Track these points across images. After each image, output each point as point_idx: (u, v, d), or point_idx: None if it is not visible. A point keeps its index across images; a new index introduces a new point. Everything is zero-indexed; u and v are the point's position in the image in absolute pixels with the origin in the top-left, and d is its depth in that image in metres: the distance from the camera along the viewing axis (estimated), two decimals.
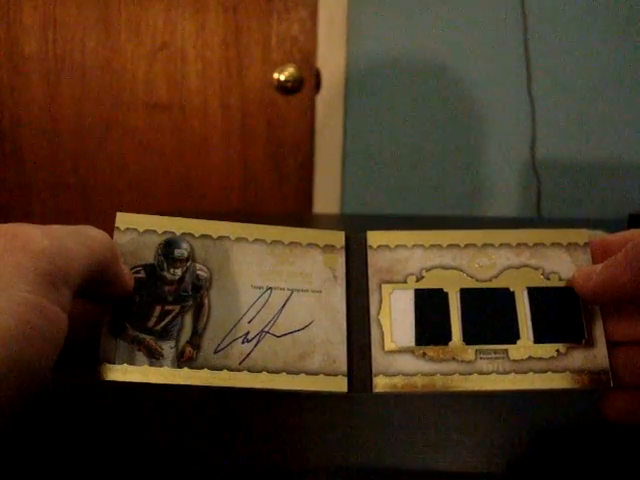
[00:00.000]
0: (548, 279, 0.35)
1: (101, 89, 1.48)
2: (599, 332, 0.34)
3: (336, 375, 0.33)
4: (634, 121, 1.56)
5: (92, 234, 0.28)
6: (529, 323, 0.34)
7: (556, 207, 1.59)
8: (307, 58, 1.51)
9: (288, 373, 0.32)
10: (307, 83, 1.51)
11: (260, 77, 1.51)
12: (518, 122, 1.55)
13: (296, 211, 1.57)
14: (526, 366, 0.33)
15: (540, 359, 0.33)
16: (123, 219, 0.33)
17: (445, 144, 1.57)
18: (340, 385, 0.32)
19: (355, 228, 0.37)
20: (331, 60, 1.51)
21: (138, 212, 0.34)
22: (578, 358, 0.33)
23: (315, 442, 0.36)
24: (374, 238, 0.36)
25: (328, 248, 0.35)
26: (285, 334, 0.33)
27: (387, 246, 0.35)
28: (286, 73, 1.48)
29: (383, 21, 1.50)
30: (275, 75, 1.49)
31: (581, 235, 0.36)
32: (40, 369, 0.24)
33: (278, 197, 1.57)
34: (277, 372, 0.32)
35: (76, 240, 0.27)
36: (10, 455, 0.33)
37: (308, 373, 0.32)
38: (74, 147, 1.50)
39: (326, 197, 1.57)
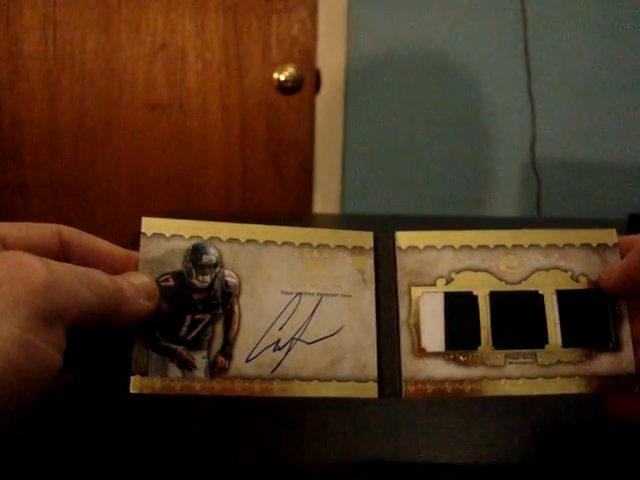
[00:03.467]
0: (577, 281, 0.35)
1: (101, 89, 1.47)
2: (626, 336, 0.34)
3: (367, 381, 0.32)
4: (634, 121, 1.57)
5: (100, 279, 0.27)
6: (558, 327, 0.34)
7: (556, 207, 1.59)
8: (307, 58, 1.50)
9: (320, 381, 0.31)
10: (307, 83, 1.50)
11: (260, 77, 1.50)
12: (518, 122, 1.56)
13: (296, 211, 1.57)
14: (554, 371, 0.33)
15: (568, 363, 0.33)
16: (149, 224, 0.32)
17: (445, 144, 1.57)
18: (371, 391, 0.32)
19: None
20: (331, 60, 1.50)
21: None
22: (605, 362, 0.33)
23: (316, 442, 0.36)
24: (403, 239, 0.35)
25: (357, 250, 0.34)
26: (316, 340, 0.32)
27: (416, 247, 0.35)
28: (286, 73, 1.47)
29: (383, 21, 1.50)
30: (275, 75, 1.49)
31: (610, 235, 0.35)
32: (20, 409, 0.23)
33: (278, 197, 1.57)
34: (309, 380, 0.31)
35: (81, 280, 0.26)
36: (28, 465, 0.33)
37: (339, 380, 0.32)
38: (74, 147, 1.49)
39: (326, 197, 1.57)
